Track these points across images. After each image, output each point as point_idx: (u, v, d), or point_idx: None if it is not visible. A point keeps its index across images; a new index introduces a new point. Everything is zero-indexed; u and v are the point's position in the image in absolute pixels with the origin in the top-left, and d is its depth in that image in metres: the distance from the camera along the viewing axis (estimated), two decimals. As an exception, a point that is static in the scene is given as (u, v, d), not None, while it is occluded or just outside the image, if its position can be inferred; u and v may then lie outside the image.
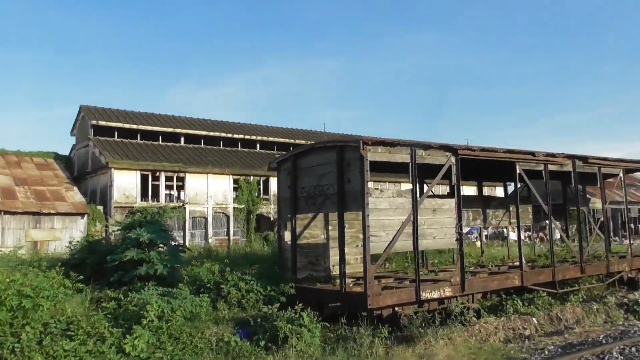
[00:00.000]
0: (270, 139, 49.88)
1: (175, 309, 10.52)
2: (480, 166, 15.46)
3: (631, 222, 73.32)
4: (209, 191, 41.51)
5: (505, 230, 58.93)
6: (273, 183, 42.04)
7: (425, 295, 11.99)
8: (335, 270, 13.45)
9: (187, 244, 39.09)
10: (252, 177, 43.01)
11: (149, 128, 43.24)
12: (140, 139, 42.75)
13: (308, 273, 13.79)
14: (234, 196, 42.93)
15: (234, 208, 42.65)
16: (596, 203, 22.79)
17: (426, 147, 12.41)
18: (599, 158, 16.35)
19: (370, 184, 11.93)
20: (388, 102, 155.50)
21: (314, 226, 14.26)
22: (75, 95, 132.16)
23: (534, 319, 14.44)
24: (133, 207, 38.53)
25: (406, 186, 18.55)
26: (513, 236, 40.13)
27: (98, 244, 16.14)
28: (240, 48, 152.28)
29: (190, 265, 13.02)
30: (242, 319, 11.23)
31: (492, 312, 14.38)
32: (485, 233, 56.64)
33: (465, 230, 52.13)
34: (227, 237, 42.60)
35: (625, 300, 16.70)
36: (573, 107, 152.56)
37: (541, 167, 14.94)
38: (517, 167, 14.27)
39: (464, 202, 17.51)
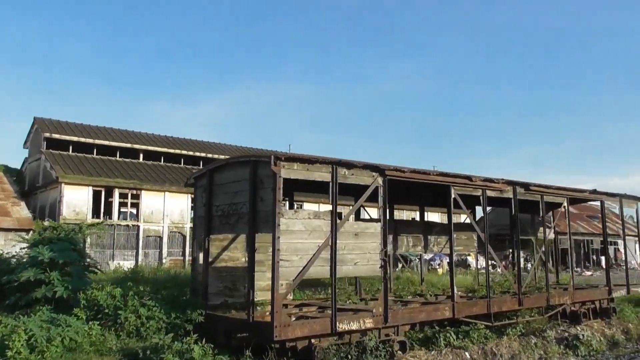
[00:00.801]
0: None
1: (53, 338, 9.26)
2: (417, 190, 14.58)
3: (593, 253, 73.76)
4: (165, 210, 40.05)
5: (468, 258, 58.37)
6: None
7: (342, 326, 10.88)
8: (258, 297, 12.30)
9: (139, 263, 37.58)
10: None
11: (106, 143, 41.69)
12: (97, 154, 41.18)
13: (223, 299, 12.61)
14: (192, 215, 41.55)
15: (191, 227, 41.22)
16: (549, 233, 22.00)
17: (350, 165, 11.42)
18: (540, 185, 15.54)
19: (286, 205, 10.89)
20: (361, 127, 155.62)
21: (234, 248, 13.12)
22: (48, 112, 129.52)
23: (466, 353, 13.43)
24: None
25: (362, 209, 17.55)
26: (475, 264, 39.34)
27: (3, 262, 14.75)
28: (217, 68, 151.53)
29: (91, 289, 11.76)
30: (132, 350, 9.97)
31: (424, 345, 13.36)
32: (447, 260, 56.00)
33: (428, 256, 50.96)
34: (182, 258, 41.10)
35: (566, 334, 15.82)
36: (541, 139, 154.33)
37: (479, 193, 14.07)
38: (452, 191, 13.37)
39: (404, 228, 16.68)
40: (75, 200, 36.42)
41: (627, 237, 66.61)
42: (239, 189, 11.46)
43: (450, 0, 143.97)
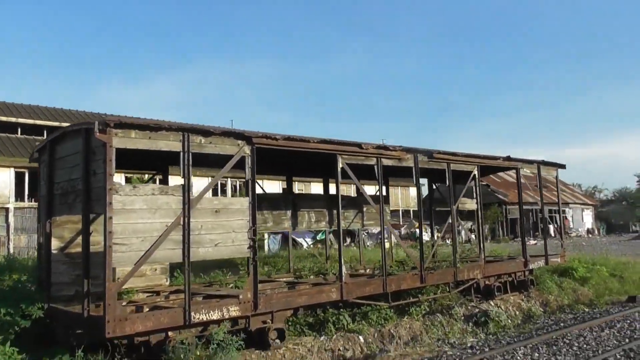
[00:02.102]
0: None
1: None
2: (303, 160, 13.07)
3: (543, 223, 74.15)
4: None
5: (417, 231, 57.59)
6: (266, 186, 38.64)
7: (198, 316, 9.33)
8: (128, 284, 10.63)
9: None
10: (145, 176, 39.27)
11: (31, 122, 38.98)
12: (21, 134, 38.46)
13: (75, 289, 10.90)
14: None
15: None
16: (466, 204, 20.80)
17: (207, 133, 9.77)
18: (445, 153, 14.16)
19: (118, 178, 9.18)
20: (318, 105, 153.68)
21: (95, 231, 11.37)
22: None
23: (361, 337, 12.11)
24: (6, 207, 34.54)
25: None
26: (427, 237, 38.37)
27: None
28: (172, 47, 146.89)
29: None
30: None
31: (314, 330, 11.98)
32: (397, 232, 55.04)
33: (375, 230, 49.39)
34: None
35: (476, 311, 14.68)
36: (499, 113, 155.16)
37: (372, 162, 12.60)
38: (340, 160, 11.86)
39: (304, 202, 15.15)
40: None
41: (566, 206, 66.55)
42: (75, 163, 9.71)
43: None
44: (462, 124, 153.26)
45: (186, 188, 9.43)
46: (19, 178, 35.14)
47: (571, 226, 76.99)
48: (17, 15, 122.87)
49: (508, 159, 16.13)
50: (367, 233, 52.06)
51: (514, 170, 16.94)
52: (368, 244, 46.28)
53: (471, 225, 58.34)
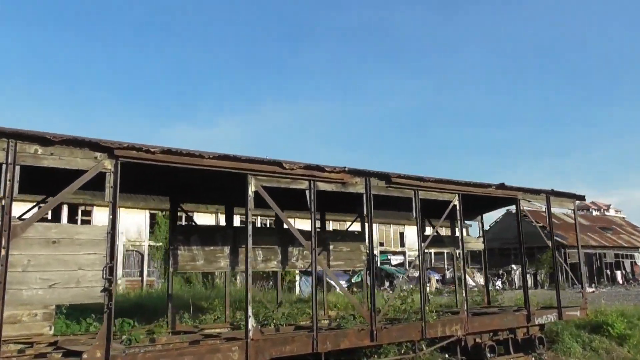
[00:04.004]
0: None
1: None
2: (195, 182, 10.58)
3: (607, 268, 67.25)
4: (120, 227, 36.65)
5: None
6: (197, 218, 37.20)
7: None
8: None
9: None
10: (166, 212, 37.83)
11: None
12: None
13: None
14: (150, 232, 38.11)
15: (149, 246, 37.78)
16: (469, 243, 17.53)
17: (46, 141, 7.51)
18: (410, 177, 11.22)
19: None
20: (381, 143, 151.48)
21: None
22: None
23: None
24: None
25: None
26: (472, 282, 34.45)
27: None
28: (234, 91, 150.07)
29: None
30: None
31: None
32: (437, 277, 50.84)
33: (416, 273, 45.66)
34: (140, 278, 37.58)
35: (457, 377, 11.37)
36: (562, 151, 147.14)
37: (303, 186, 9.91)
38: (253, 182, 9.28)
39: (258, 237, 12.53)
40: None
41: (636, 250, 59.50)
42: None
43: (460, 21, 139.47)
44: (527, 160, 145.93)
45: (6, 210, 7.15)
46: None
47: (641, 272, 69.49)
48: (92, 57, 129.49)
49: (502, 186, 12.93)
50: (408, 276, 48.24)
51: (542, 206, 13.68)
52: (404, 287, 42.64)
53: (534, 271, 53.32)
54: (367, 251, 14.05)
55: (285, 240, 12.80)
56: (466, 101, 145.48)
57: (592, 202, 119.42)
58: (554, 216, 57.22)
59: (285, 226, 12.65)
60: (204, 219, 37.11)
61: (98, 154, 7.89)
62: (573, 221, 59.85)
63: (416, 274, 55.07)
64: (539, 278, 56.53)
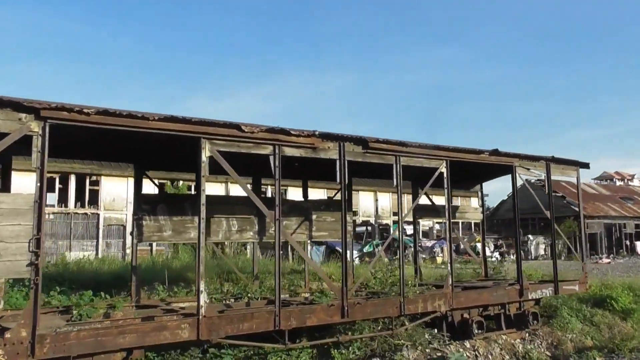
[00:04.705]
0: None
1: None
2: (150, 146, 9.71)
3: (627, 238, 65.34)
4: (129, 196, 36.26)
5: (478, 245, 51.92)
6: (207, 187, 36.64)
7: None
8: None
9: (99, 254, 34.08)
10: (181, 182, 37.31)
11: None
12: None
13: None
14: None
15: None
16: (467, 213, 16.52)
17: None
18: (389, 142, 10.19)
19: None
20: (399, 115, 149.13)
21: None
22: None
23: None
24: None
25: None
26: (488, 252, 33.47)
27: None
28: (253, 61, 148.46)
29: None
30: None
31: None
32: (446, 247, 49.80)
33: (430, 243, 44.75)
34: (149, 247, 37.31)
35: (439, 355, 10.56)
36: (590, 123, 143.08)
37: (267, 151, 8.99)
38: (207, 146, 8.40)
39: (222, 207, 11.73)
40: (25, 188, 33.23)
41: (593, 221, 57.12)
42: None
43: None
44: (548, 133, 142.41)
45: None
46: (49, 183, 34.39)
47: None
48: (120, 31, 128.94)
49: (496, 152, 11.82)
50: (421, 246, 47.28)
51: (575, 177, 12.70)
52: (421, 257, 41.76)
53: (547, 241, 51.81)
54: (354, 220, 13.18)
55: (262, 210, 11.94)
56: (493, 74, 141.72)
57: (616, 172, 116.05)
58: (573, 185, 55.35)
59: (269, 195, 11.78)
60: (212, 189, 36.50)
61: (23, 115, 7.06)
62: (592, 190, 58.35)
63: (429, 243, 53.83)
64: (556, 249, 55.26)
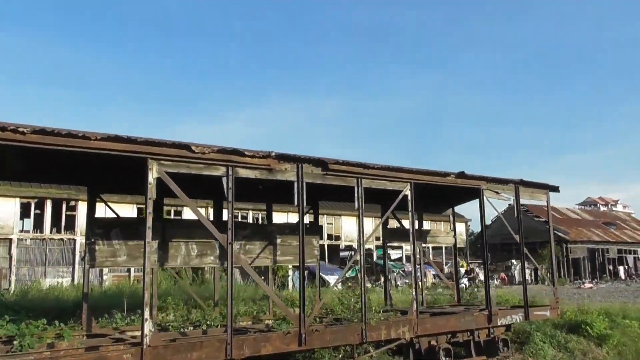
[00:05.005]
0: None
1: None
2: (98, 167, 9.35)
3: (610, 263, 65.32)
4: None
5: (462, 270, 51.45)
6: (185, 213, 36.13)
7: None
8: None
9: (75, 280, 33.32)
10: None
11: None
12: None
13: None
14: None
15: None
16: (438, 237, 16.31)
17: None
18: (350, 164, 9.92)
19: None
20: (388, 141, 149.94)
21: None
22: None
23: None
24: (9, 238, 32.99)
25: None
26: (484, 277, 33.07)
27: None
28: (241, 86, 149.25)
29: None
30: None
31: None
32: (434, 272, 49.34)
33: (410, 268, 44.35)
34: (128, 273, 36.53)
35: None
36: (575, 149, 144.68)
37: (220, 172, 8.68)
38: (155, 167, 8.07)
39: (180, 230, 11.34)
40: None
41: (639, 245, 57.29)
42: None
43: (466, 19, 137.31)
44: (539, 159, 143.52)
45: None
46: (25, 208, 33.74)
47: (645, 268, 67.52)
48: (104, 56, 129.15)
49: (462, 175, 11.60)
50: (404, 271, 46.71)
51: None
52: (398, 283, 41.21)
53: (532, 267, 51.54)
54: (319, 245, 12.86)
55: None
56: (476, 100, 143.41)
57: (600, 198, 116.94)
58: (557, 210, 55.47)
59: (225, 218, 11.44)
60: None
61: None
62: (575, 216, 58.30)
63: (410, 268, 53.33)
64: (539, 274, 55.02)
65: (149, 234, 8.01)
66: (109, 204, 11.41)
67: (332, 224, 48.23)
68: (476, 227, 68.26)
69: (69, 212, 35.14)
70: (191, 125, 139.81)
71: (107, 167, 9.62)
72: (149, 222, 8.04)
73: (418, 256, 11.61)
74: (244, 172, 8.89)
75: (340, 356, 9.94)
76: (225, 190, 8.68)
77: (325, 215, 47.45)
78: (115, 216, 11.10)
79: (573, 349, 13.99)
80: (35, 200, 33.75)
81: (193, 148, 8.29)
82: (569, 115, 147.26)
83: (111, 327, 10.64)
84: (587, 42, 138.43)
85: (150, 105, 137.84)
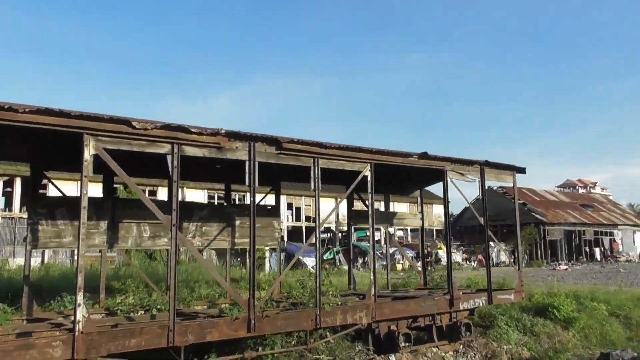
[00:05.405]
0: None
1: None
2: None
3: (586, 245, 65.99)
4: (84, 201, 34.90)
5: (439, 251, 51.46)
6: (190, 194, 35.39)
7: None
8: None
9: (46, 261, 32.60)
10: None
11: None
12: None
13: None
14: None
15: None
16: (405, 219, 15.96)
17: None
18: (306, 143, 9.46)
19: None
20: (380, 118, 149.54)
21: None
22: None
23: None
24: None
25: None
26: (445, 258, 32.89)
27: None
28: (231, 63, 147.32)
29: None
30: None
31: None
32: (412, 254, 49.32)
33: (391, 250, 44.14)
34: (99, 253, 35.81)
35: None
36: (555, 131, 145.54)
37: (164, 150, 8.17)
38: (92, 143, 7.54)
39: (132, 211, 10.84)
40: None
41: (616, 227, 58.27)
42: None
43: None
44: (519, 139, 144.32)
45: None
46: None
47: (621, 250, 68.32)
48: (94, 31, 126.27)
49: (425, 155, 11.20)
50: (382, 253, 46.57)
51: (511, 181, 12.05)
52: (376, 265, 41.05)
53: (511, 248, 51.80)
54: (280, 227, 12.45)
55: (181, 215, 11.08)
56: (465, 78, 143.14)
57: (579, 180, 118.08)
58: (534, 192, 55.52)
59: (186, 199, 10.93)
60: (195, 194, 35.15)
61: None
62: (553, 198, 58.39)
63: (391, 250, 53.20)
64: (516, 255, 55.45)
65: (84, 213, 7.52)
66: (53, 181, 10.86)
67: (310, 205, 47.88)
68: (455, 209, 68.44)
69: (41, 191, 34.27)
70: (173, 102, 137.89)
71: (47, 143, 9.05)
72: (85, 201, 7.55)
73: (378, 238, 11.22)
74: (190, 150, 8.39)
75: (293, 342, 9.57)
76: (170, 169, 8.20)
77: (303, 197, 47.12)
78: (60, 195, 10.54)
79: (539, 333, 13.82)
80: (6, 178, 32.85)
81: (134, 124, 7.76)
82: (552, 95, 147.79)
83: (55, 312, 10.14)
84: (568, 21, 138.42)
85: (132, 78, 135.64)
